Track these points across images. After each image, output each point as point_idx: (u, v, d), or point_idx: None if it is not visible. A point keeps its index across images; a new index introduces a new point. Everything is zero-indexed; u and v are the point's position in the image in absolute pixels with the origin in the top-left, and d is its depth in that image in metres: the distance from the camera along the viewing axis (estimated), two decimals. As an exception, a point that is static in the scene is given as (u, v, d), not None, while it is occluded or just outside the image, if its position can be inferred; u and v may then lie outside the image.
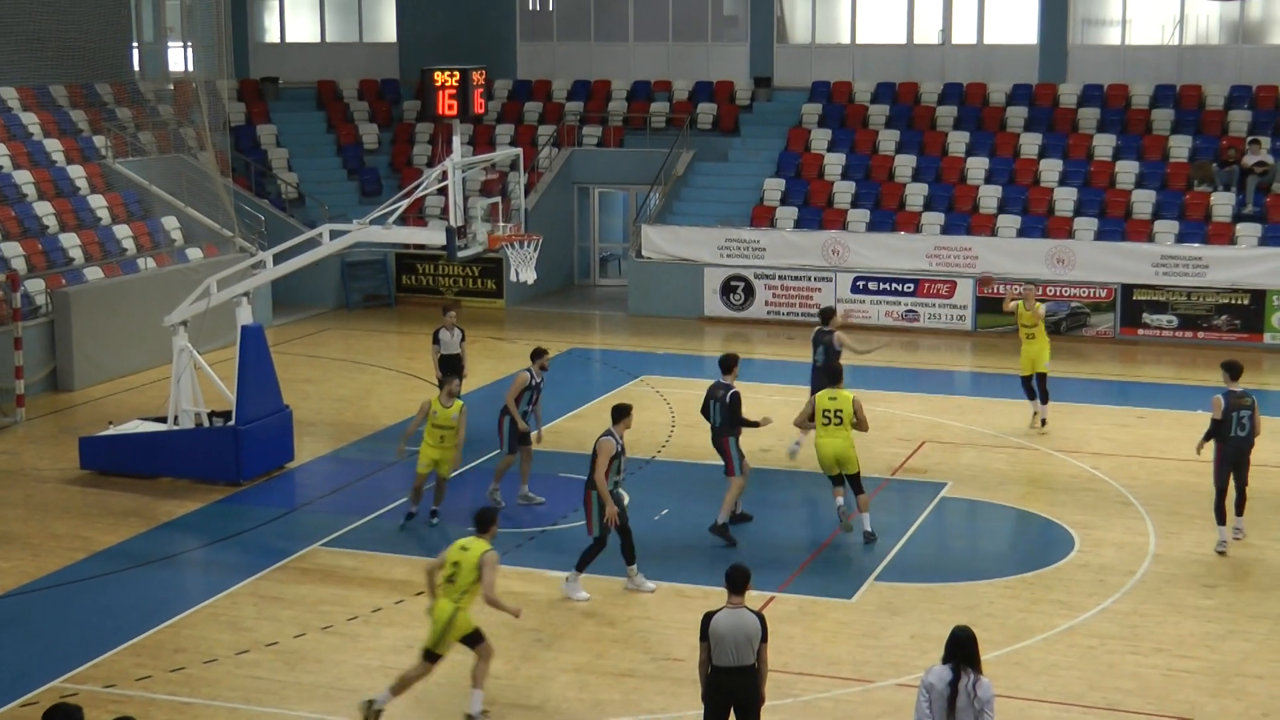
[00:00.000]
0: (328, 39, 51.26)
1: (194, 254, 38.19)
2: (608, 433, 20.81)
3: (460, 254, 26.10)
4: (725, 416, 23.00)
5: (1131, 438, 28.91)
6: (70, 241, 36.21)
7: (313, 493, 26.05)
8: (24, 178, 37.28)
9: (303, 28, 51.74)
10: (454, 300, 38.47)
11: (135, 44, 46.63)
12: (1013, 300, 29.53)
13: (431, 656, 17.01)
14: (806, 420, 23.63)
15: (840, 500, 22.94)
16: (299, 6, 51.67)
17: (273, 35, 51.68)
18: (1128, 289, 37.60)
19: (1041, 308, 29.08)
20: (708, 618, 14.59)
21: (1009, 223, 39.81)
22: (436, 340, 29.02)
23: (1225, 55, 43.60)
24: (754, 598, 16.89)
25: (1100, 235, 38.94)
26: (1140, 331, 37.62)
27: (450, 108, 26.21)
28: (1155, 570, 21.83)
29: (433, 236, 28.23)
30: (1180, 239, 38.28)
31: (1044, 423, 28.88)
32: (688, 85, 47.20)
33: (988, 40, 45.29)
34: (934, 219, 40.43)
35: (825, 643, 19.28)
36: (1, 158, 37.63)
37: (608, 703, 17.59)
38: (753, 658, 14.52)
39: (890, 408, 30.41)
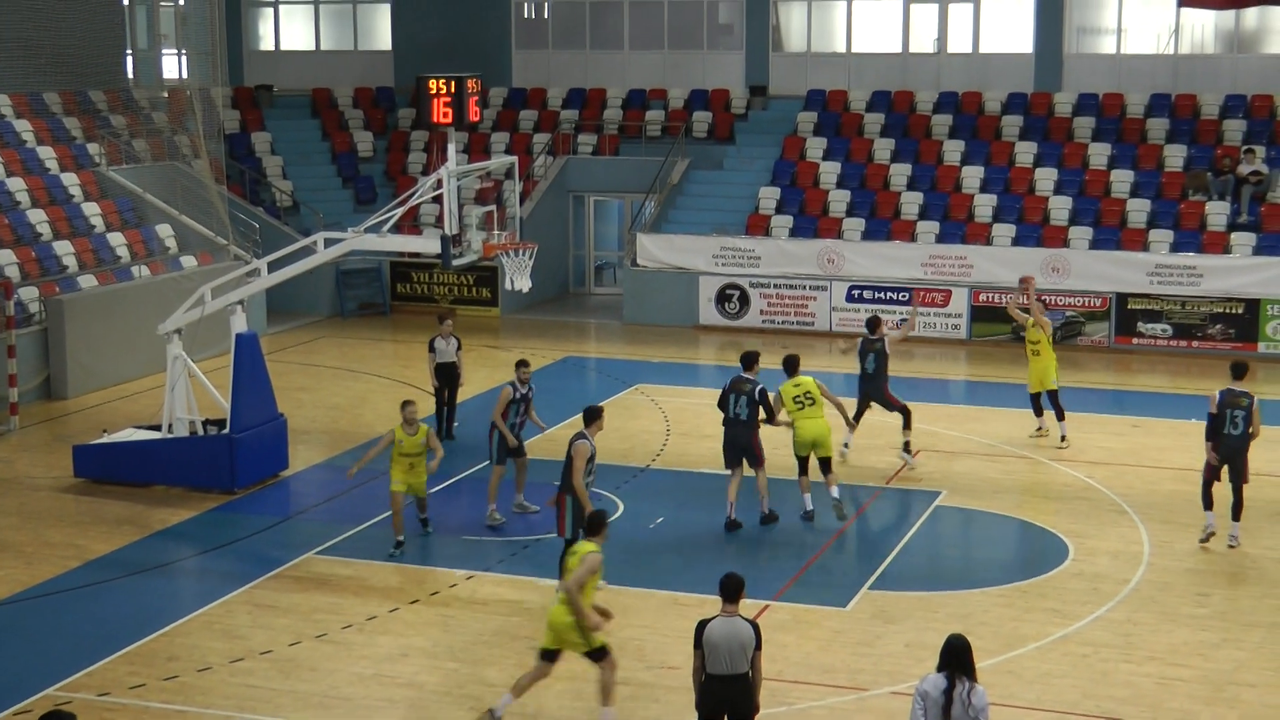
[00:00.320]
0: (322, 47, 51.31)
1: (188, 262, 38.15)
2: (581, 435, 20.87)
3: (455, 262, 26.09)
4: (753, 410, 23.83)
5: (1126, 446, 28.92)
6: (64, 249, 36.18)
7: (307, 501, 26.03)
8: (17, 185, 37.25)
9: (297, 35, 51.79)
10: (450, 309, 38.45)
11: (129, 51, 46.66)
12: (1016, 307, 29.39)
13: (550, 656, 17.07)
14: (850, 421, 26.36)
15: (808, 496, 24.35)
16: (294, 14, 51.73)
17: (267, 43, 51.73)
18: (1122, 298, 37.61)
19: (1046, 320, 28.79)
20: (702, 626, 14.61)
21: (1004, 231, 39.83)
22: (432, 349, 29.11)
23: (1220, 64, 43.63)
24: (748, 606, 16.91)
25: (1095, 244, 38.96)
26: (1135, 340, 37.63)
27: (445, 115, 26.21)
28: (1149, 579, 21.84)
29: (428, 245, 28.21)
30: (1175, 248, 38.30)
31: (1063, 438, 28.55)
32: (683, 93, 47.22)
33: (983, 49, 45.33)
34: (929, 228, 40.45)
35: (820, 651, 19.28)
36: (-5, 165, 37.68)
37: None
38: (747, 666, 14.53)
39: (885, 416, 30.37)
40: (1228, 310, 36.89)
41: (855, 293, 39.39)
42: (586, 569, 16.64)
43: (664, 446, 28.86)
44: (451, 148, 26.73)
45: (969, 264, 38.77)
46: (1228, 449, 22.68)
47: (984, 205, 40.82)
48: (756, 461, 24.15)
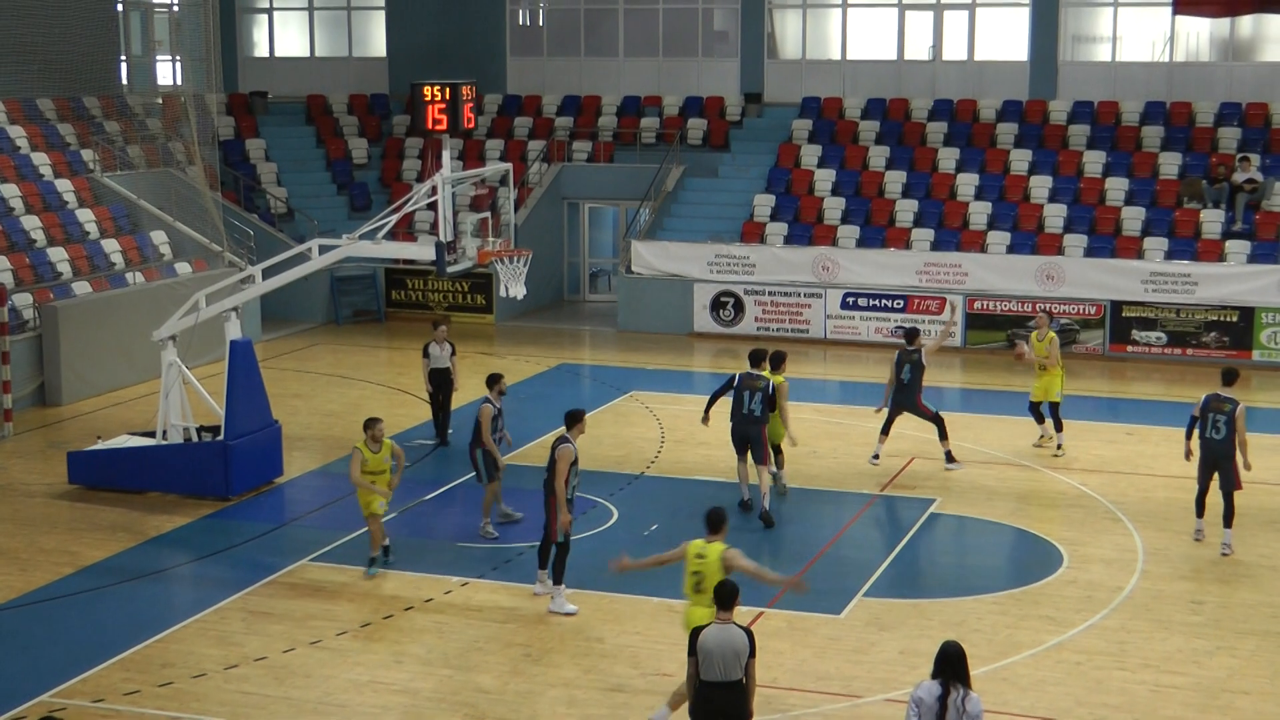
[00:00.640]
0: (317, 53, 51.32)
1: (183, 268, 38.16)
2: (564, 439, 20.90)
3: (450, 269, 26.12)
4: (765, 406, 24.65)
5: (1120, 454, 28.92)
6: (58, 256, 36.16)
7: (302, 508, 26.00)
8: (11, 191, 37.24)
9: (292, 42, 51.80)
10: (444, 316, 38.48)
11: (123, 57, 46.67)
12: (1021, 349, 29.21)
13: None
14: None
15: (745, 486, 25.33)
16: (288, 21, 51.74)
17: (262, 49, 51.75)
18: (1117, 306, 37.64)
19: (1054, 339, 28.54)
20: (696, 633, 14.60)
21: (999, 239, 39.86)
22: (426, 354, 29.14)
23: (1215, 72, 43.68)
24: (742, 613, 16.91)
25: (1090, 252, 38.99)
26: (1129, 348, 37.66)
27: (440, 122, 26.25)
28: (1143, 586, 21.84)
29: (422, 252, 28.24)
30: (1170, 256, 38.33)
31: (1060, 447, 28.56)
32: (678, 100, 47.25)
33: (978, 56, 45.37)
34: (924, 235, 40.47)
35: (814, 658, 19.28)
36: (-11, 172, 37.68)
37: (597, 717, 17.58)
38: (740, 673, 14.53)
39: (879, 424, 30.40)
40: (1222, 318, 36.92)
41: (850, 300, 39.42)
42: (746, 559, 16.93)
43: (658, 454, 28.85)
44: (446, 154, 26.73)
45: (964, 271, 38.80)
46: (1210, 453, 23.04)
47: (979, 213, 40.85)
48: (761, 457, 24.78)
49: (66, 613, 21.12)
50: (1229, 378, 23.35)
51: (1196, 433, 23.30)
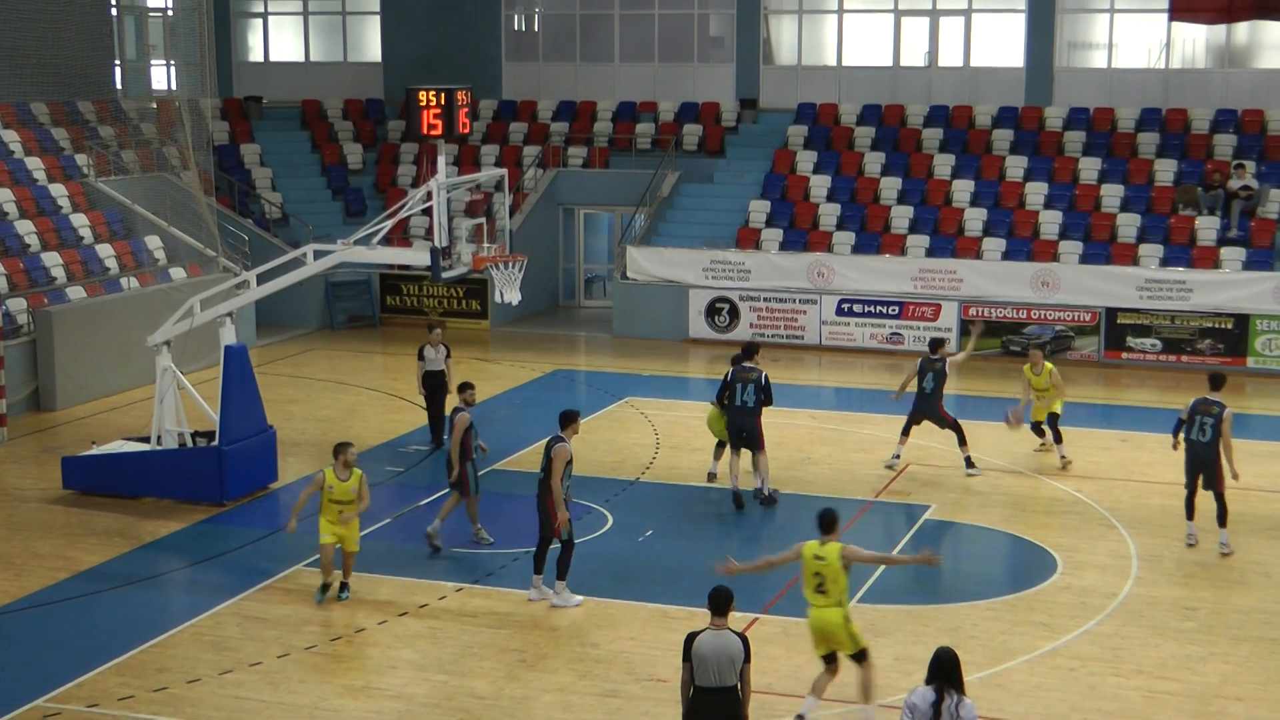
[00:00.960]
0: (312, 58, 51.33)
1: (177, 274, 38.15)
2: (559, 438, 21.03)
3: (445, 275, 26.14)
4: (759, 396, 25.63)
5: (1115, 461, 28.94)
6: (52, 260, 36.15)
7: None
8: (5, 196, 37.21)
9: (287, 47, 51.80)
10: (439, 320, 38.47)
11: (118, 62, 46.63)
12: (1016, 421, 28.71)
13: (832, 658, 17.31)
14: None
15: (718, 463, 27.05)
16: (283, 25, 51.74)
17: (257, 54, 51.75)
18: (1112, 312, 37.66)
19: (1053, 370, 28.25)
20: (690, 639, 14.60)
21: (994, 246, 39.87)
22: (421, 357, 29.16)
23: (1211, 79, 43.72)
24: (737, 619, 16.92)
25: (1085, 258, 39.00)
26: (1124, 355, 37.67)
27: (435, 128, 26.26)
28: (1137, 593, 21.86)
29: (417, 257, 28.23)
30: (1165, 263, 38.36)
31: (1064, 458, 28.33)
32: (673, 106, 47.27)
33: (974, 63, 45.41)
34: (919, 241, 40.48)
35: (809, 664, 19.20)
36: (-17, 176, 37.66)
37: (591, 724, 17.59)
38: (735, 679, 14.52)
39: (875, 430, 30.42)
40: (1217, 325, 36.95)
41: (845, 306, 39.43)
42: (863, 551, 17.37)
43: (653, 459, 28.85)
44: (441, 160, 26.74)
45: (959, 278, 38.82)
46: (1196, 456, 23.29)
47: (974, 219, 40.86)
48: (758, 445, 25.72)
49: (61, 618, 21.10)
50: (1216, 382, 23.63)
51: (1182, 436, 23.52)
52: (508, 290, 26.66)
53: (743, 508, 25.57)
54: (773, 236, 41.60)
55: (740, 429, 25.79)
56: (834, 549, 17.03)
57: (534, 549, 21.62)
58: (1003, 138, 43.37)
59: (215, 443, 26.16)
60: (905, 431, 28.14)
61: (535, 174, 45.76)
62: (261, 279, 27.55)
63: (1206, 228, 39.12)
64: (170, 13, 48.06)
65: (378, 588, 22.05)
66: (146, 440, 27.17)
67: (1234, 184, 39.33)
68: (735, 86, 47.26)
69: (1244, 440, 30.06)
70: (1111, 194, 40.82)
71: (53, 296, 34.79)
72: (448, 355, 29.28)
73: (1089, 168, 41.77)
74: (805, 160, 43.91)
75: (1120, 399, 34.92)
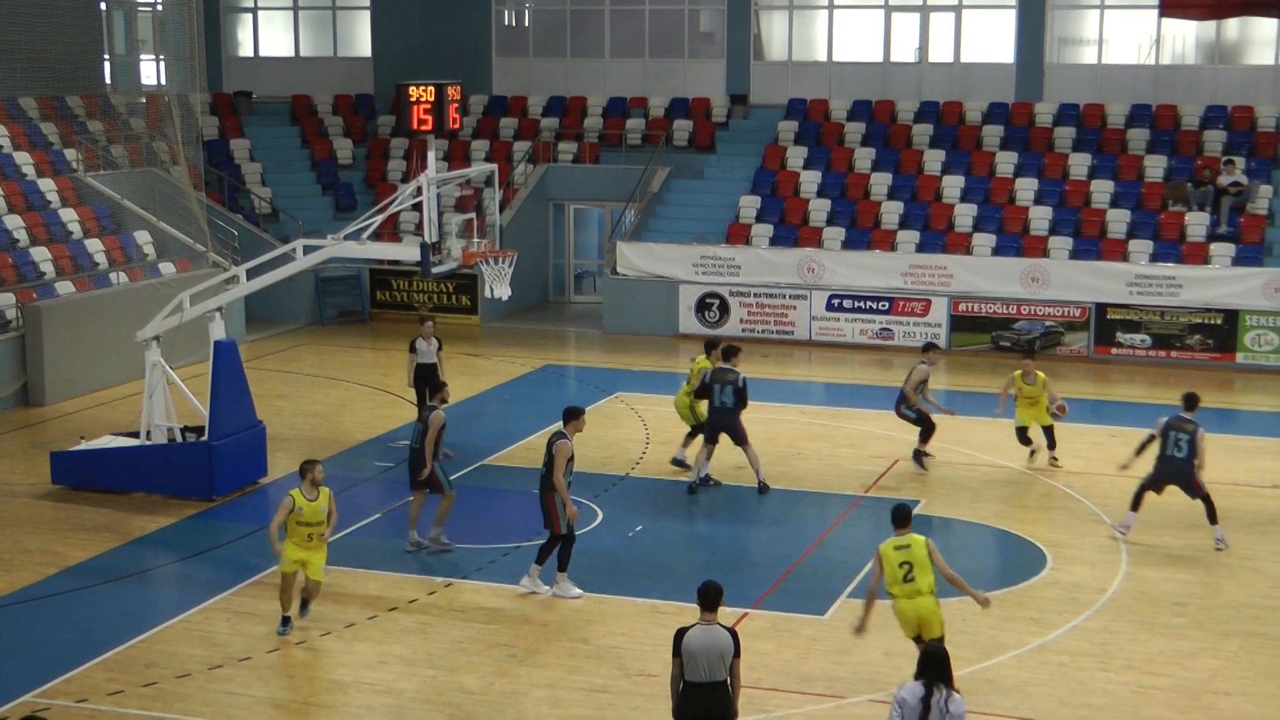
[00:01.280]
0: (302, 53, 51.27)
1: (166, 269, 38.10)
2: (561, 435, 21.08)
3: (435, 270, 26.12)
4: (738, 397, 26.08)
5: (1104, 456, 28.90)
6: (41, 255, 36.08)
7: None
8: (-6, 191, 37.22)
9: (277, 42, 51.75)
10: (430, 315, 38.44)
11: (107, 56, 46.59)
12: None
13: (920, 639, 17.48)
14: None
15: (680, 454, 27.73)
16: (273, 20, 51.69)
17: (246, 49, 51.70)
18: (1101, 308, 37.68)
19: (1044, 379, 27.76)
20: (680, 634, 14.59)
21: (984, 241, 39.89)
22: (413, 350, 29.14)
23: (1201, 75, 43.76)
24: (727, 614, 16.91)
25: (1075, 254, 39.03)
26: (1114, 351, 37.70)
27: (425, 123, 26.24)
28: (1126, 588, 21.88)
29: (407, 252, 28.23)
30: (1154, 258, 38.39)
31: (1055, 459, 28.05)
32: (664, 102, 47.25)
33: (964, 59, 45.41)
34: (909, 237, 40.49)
35: (798, 659, 19.29)
36: (-28, 171, 37.59)
37: (581, 718, 17.58)
38: (725, 674, 14.52)
39: (865, 425, 30.43)
40: (1207, 321, 36.97)
41: (835, 301, 39.43)
42: (940, 559, 17.69)
43: (643, 455, 28.85)
44: (431, 155, 26.72)
45: (949, 274, 38.82)
46: (1172, 470, 23.47)
47: (964, 215, 40.88)
48: (742, 439, 26.21)
49: (50, 613, 21.08)
50: (1190, 402, 23.67)
51: (1156, 451, 23.68)
52: (498, 285, 26.65)
53: (694, 494, 26.22)
54: (763, 232, 41.60)
55: (718, 428, 26.31)
56: (919, 539, 17.58)
57: (537, 544, 21.59)
58: (993, 133, 43.38)
59: (204, 438, 26.13)
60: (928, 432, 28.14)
61: (525, 169, 45.73)
62: (251, 274, 27.51)
63: (1196, 224, 39.15)
64: (159, 7, 47.95)
65: (367, 583, 22.04)
66: (136, 435, 27.13)
67: (1224, 180, 39.37)
68: (726, 82, 47.25)
69: (1232, 436, 30.26)
70: (1101, 190, 40.85)
71: (41, 292, 34.73)
72: (439, 348, 29.26)
73: (1079, 164, 41.79)
74: (795, 156, 43.91)
75: (1110, 394, 34.94)
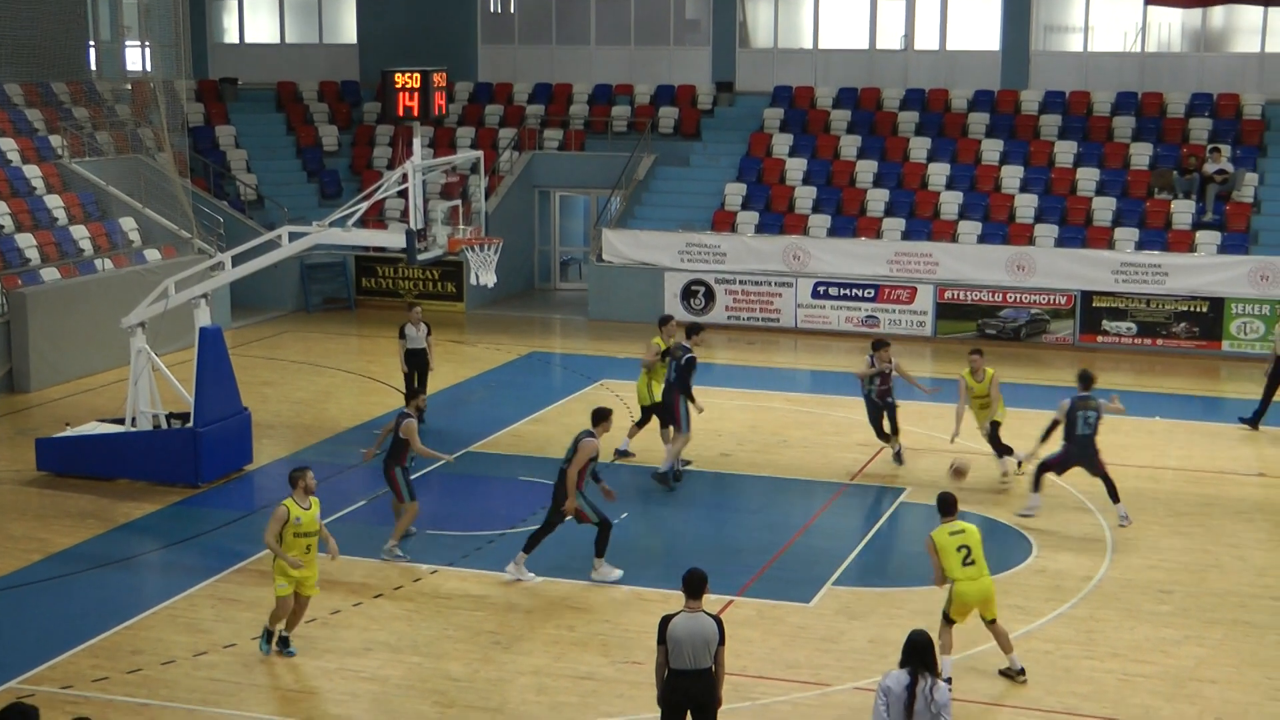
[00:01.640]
0: (287, 40, 51.15)
1: (152, 255, 38.01)
2: (590, 433, 21.26)
3: (420, 257, 26.10)
4: (679, 375, 25.90)
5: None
6: (26, 242, 36.00)
7: (271, 495, 25.79)
8: (-21, 177, 37.12)
9: (262, 28, 51.64)
10: (416, 303, 38.39)
11: (92, 43, 46.41)
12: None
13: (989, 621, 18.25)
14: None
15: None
16: (258, 7, 51.57)
17: (232, 36, 51.59)
18: (1087, 296, 37.70)
19: (994, 375, 26.81)
20: (665, 621, 14.60)
21: (970, 229, 39.89)
22: (403, 335, 29.16)
23: (1187, 63, 43.78)
24: (712, 601, 16.93)
25: (1060, 242, 39.05)
26: (1100, 338, 37.73)
27: (411, 110, 26.21)
28: (1112, 576, 21.90)
29: (393, 239, 28.21)
30: (1140, 246, 38.42)
31: (1020, 465, 26.63)
32: (649, 89, 47.21)
33: (950, 46, 45.41)
34: (895, 225, 40.50)
35: (784, 646, 19.29)
36: (-42, 157, 37.48)
37: (566, 705, 17.57)
38: (710, 661, 14.53)
39: (849, 413, 30.39)
40: (1192, 309, 37.00)
41: (821, 289, 39.42)
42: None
43: (628, 442, 28.81)
44: (417, 142, 26.68)
45: (934, 261, 38.82)
46: (1080, 449, 23.92)
47: (950, 202, 40.90)
48: (675, 423, 26.10)
49: (35, 600, 21.05)
50: (1086, 380, 24.49)
51: (1063, 433, 24.07)
52: (483, 273, 26.64)
53: (666, 485, 26.09)
54: (748, 219, 41.59)
55: (663, 404, 26.50)
56: (970, 525, 18.22)
57: (523, 531, 21.62)
58: (978, 121, 43.39)
59: (190, 425, 26.09)
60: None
61: (511, 156, 45.68)
62: (236, 261, 27.48)
63: (1182, 211, 39.18)
64: (145, -7, 47.87)
65: (352, 570, 22.00)
66: (121, 422, 27.08)
67: (1209, 168, 39.39)
68: (711, 69, 47.21)
69: (1218, 424, 30.33)
70: (1087, 178, 40.87)
71: (27, 278, 34.65)
72: (428, 333, 29.28)
73: (1064, 151, 41.81)
74: (781, 143, 43.90)
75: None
